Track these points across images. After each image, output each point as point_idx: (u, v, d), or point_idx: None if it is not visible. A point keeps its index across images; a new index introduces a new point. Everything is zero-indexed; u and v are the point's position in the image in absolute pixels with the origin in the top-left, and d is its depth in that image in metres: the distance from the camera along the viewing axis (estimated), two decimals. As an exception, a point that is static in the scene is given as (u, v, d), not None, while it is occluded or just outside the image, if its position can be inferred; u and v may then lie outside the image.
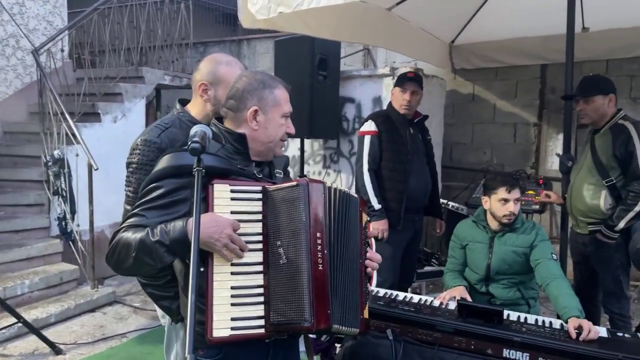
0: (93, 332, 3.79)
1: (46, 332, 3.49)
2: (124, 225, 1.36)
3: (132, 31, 5.98)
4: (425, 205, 3.39)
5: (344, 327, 1.41)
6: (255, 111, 1.46)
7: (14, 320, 3.30)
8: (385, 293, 2.53)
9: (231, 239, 1.30)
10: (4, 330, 3.44)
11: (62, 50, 5.54)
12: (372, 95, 4.72)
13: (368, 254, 1.55)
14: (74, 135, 4.52)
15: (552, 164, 5.12)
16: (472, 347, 2.06)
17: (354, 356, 2.21)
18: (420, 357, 2.09)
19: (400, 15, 3.98)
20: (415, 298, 2.47)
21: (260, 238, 1.37)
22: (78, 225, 4.54)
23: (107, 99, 5.46)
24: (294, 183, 1.37)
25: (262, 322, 1.33)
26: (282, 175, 1.57)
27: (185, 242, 1.27)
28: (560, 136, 4.93)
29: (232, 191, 1.36)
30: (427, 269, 3.76)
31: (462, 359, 2.06)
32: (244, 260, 1.34)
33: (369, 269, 1.54)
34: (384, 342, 2.15)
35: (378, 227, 3.12)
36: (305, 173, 4.71)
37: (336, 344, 2.55)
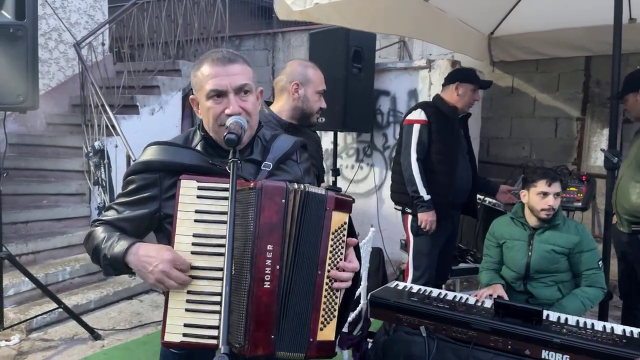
0: (130, 318, 3.89)
1: (85, 318, 3.60)
2: (102, 219, 1.39)
3: (170, 25, 6.08)
4: (464, 202, 3.32)
5: (293, 353, 1.24)
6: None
7: (55, 305, 3.41)
8: (419, 289, 2.50)
9: (167, 275, 1.19)
10: (45, 315, 3.57)
11: (103, 44, 5.68)
12: (407, 88, 4.65)
13: (340, 263, 1.29)
14: (113, 127, 4.63)
15: (596, 160, 4.92)
16: (509, 347, 2.01)
17: (387, 352, 2.19)
18: (455, 356, 2.06)
19: (437, 6, 3.89)
20: (450, 295, 2.42)
21: (223, 241, 1.17)
22: (117, 215, 4.66)
23: (145, 91, 5.57)
24: (250, 185, 1.22)
25: (215, 332, 1.21)
26: (269, 169, 1.38)
27: (122, 262, 1.25)
28: (605, 131, 4.73)
29: (199, 188, 1.25)
30: (462, 265, 3.68)
31: (499, 359, 2.01)
32: (203, 264, 1.23)
33: (337, 283, 1.28)
34: (418, 339, 2.12)
35: (427, 219, 3.04)
36: (338, 166, 4.69)
37: (368, 339, 2.53)
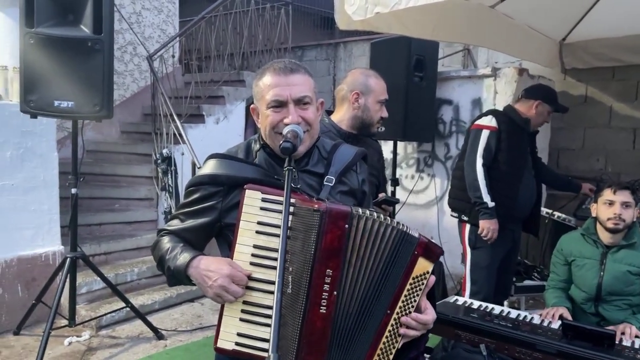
0: (192, 320, 4.01)
1: (150, 318, 3.74)
2: (167, 228, 1.44)
3: (235, 37, 6.28)
4: (526, 217, 3.17)
5: None
6: None
7: (123, 304, 3.59)
8: (480, 305, 2.40)
9: (225, 290, 1.21)
10: (113, 314, 3.76)
11: (173, 56, 5.97)
12: (471, 97, 4.53)
13: (413, 314, 1.25)
14: (180, 135, 4.83)
15: (680, 174, 4.55)
16: (577, 372, 1.88)
17: (444, 369, 2.12)
18: (517, 378, 1.95)
19: (504, 12, 3.77)
20: (513, 313, 2.31)
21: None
22: (181, 220, 4.84)
23: (210, 101, 5.79)
24: (314, 206, 1.19)
25: (267, 345, 1.19)
26: (331, 184, 1.38)
27: (184, 275, 1.30)
28: (690, 143, 4.37)
29: (262, 200, 1.25)
30: (527, 282, 3.50)
31: (565, 384, 1.89)
32: (261, 276, 1.23)
33: (403, 329, 1.24)
34: (477, 357, 2.04)
35: (489, 227, 2.94)
36: (397, 176, 4.63)
37: (425, 355, 2.46)
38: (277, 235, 1.22)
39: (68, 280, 3.29)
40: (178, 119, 4.93)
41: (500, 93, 4.33)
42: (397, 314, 1.24)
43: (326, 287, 1.18)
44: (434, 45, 4.37)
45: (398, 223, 1.24)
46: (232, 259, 1.26)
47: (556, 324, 2.21)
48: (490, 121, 3.06)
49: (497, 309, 2.36)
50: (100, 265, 3.89)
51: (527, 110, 3.11)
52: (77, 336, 3.53)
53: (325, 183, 1.38)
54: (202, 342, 3.64)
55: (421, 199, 4.86)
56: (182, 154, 4.79)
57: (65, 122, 5.21)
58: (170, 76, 5.58)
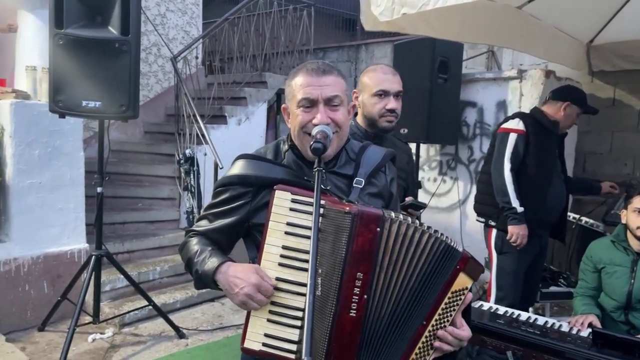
0: (212, 320, 4.03)
1: (171, 317, 3.77)
2: (195, 229, 1.44)
3: (258, 38, 6.31)
4: (554, 223, 3.11)
5: None
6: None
7: (145, 303, 3.62)
8: (506, 311, 2.36)
9: (251, 299, 1.21)
10: (136, 312, 3.80)
11: (197, 58, 6.02)
12: (496, 99, 4.47)
13: (449, 328, 1.24)
14: (203, 136, 4.86)
15: None
16: (609, 381, 1.83)
17: (470, 375, 2.08)
18: (545, 386, 1.91)
19: (531, 13, 3.70)
20: (541, 320, 2.26)
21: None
22: (203, 220, 4.87)
23: (233, 102, 5.82)
24: (345, 209, 1.18)
25: (293, 347, 1.20)
26: (360, 186, 1.37)
27: (211, 280, 1.30)
28: None
29: (292, 200, 1.24)
30: (553, 289, 3.43)
31: (596, 393, 1.84)
32: (289, 277, 1.23)
33: (438, 342, 1.23)
34: (504, 364, 2.00)
35: (518, 232, 2.89)
36: (420, 179, 4.59)
37: (449, 360, 2.42)
38: (306, 237, 1.22)
39: (93, 277, 3.33)
40: (201, 119, 4.97)
41: (526, 95, 4.26)
42: (433, 326, 1.23)
43: (356, 290, 1.16)
44: (458, 46, 4.33)
45: (437, 231, 1.22)
46: (260, 259, 1.26)
47: (585, 332, 2.16)
48: (517, 124, 3.00)
49: (523, 315, 2.31)
50: (123, 264, 3.93)
51: (555, 112, 3.04)
52: (101, 333, 3.58)
53: (354, 185, 1.37)
54: (222, 342, 3.66)
55: (443, 202, 4.81)
56: (205, 154, 4.82)
57: (91, 122, 5.30)
58: (194, 77, 5.63)
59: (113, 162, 5.17)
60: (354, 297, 1.17)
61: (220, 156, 4.62)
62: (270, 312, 1.24)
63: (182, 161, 4.93)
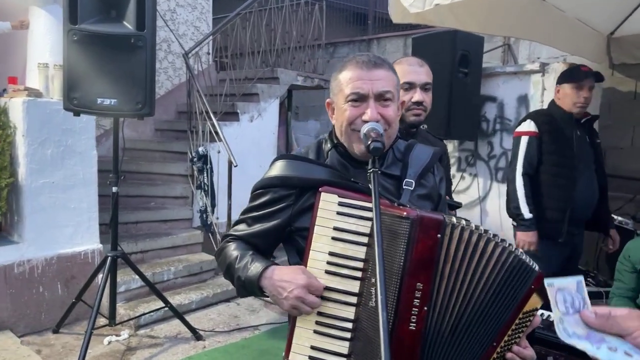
0: (228, 321, 3.96)
1: (187, 318, 3.69)
2: (233, 234, 1.36)
3: (269, 33, 6.21)
4: (588, 219, 3.00)
5: None
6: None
7: (161, 304, 3.54)
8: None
9: (302, 301, 1.13)
10: (152, 313, 3.72)
11: (208, 54, 5.93)
12: (516, 94, 4.35)
13: (515, 348, 1.15)
14: (216, 133, 4.77)
15: None
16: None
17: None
18: (591, 395, 1.81)
19: (555, 5, 3.59)
20: (581, 324, 2.16)
21: (361, 265, 1.13)
22: (217, 218, 4.80)
23: (245, 99, 5.72)
24: (402, 213, 1.09)
25: None
26: (411, 188, 1.29)
27: (256, 286, 1.22)
28: None
29: (339, 204, 1.16)
30: (581, 288, 3.33)
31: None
32: (337, 286, 1.15)
33: None
34: (546, 372, 1.90)
35: (525, 240, 2.84)
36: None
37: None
38: (355, 243, 1.14)
39: (109, 279, 3.26)
40: (213, 116, 4.88)
41: (548, 90, 4.14)
42: (501, 347, 1.14)
43: (416, 302, 1.07)
44: (478, 40, 4.22)
45: (504, 241, 1.11)
46: (305, 266, 1.17)
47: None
48: (528, 126, 2.95)
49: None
50: (137, 264, 3.85)
51: (558, 100, 2.98)
52: (116, 335, 3.51)
53: (404, 187, 1.30)
54: (240, 343, 3.58)
55: (462, 199, 4.70)
56: (218, 152, 4.73)
57: (101, 120, 5.22)
58: (205, 73, 5.55)
59: (125, 161, 5.07)
60: (414, 308, 1.08)
61: (233, 153, 4.54)
62: (317, 322, 1.16)
63: (195, 159, 4.85)
